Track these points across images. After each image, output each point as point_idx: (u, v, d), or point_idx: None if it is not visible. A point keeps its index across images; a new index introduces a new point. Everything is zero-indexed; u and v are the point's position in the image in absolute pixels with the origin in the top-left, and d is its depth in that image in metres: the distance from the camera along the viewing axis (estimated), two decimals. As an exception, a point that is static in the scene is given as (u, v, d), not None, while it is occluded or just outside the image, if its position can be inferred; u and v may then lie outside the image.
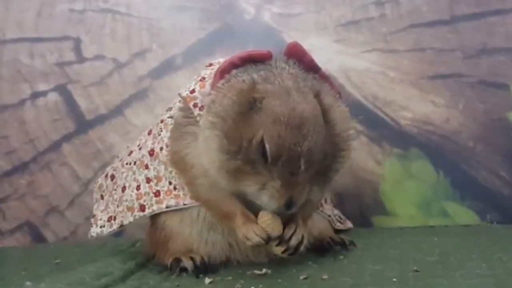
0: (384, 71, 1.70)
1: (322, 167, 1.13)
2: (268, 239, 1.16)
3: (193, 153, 1.20)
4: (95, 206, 1.45)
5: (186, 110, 1.25)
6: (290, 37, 1.73)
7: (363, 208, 1.71)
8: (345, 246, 1.36)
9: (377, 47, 1.71)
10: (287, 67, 1.19)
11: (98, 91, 1.81)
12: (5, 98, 1.84)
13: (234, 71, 1.19)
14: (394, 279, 1.12)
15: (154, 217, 1.32)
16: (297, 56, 1.22)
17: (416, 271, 1.17)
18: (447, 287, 1.05)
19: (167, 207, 1.27)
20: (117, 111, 1.81)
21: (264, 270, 1.22)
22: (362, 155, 1.69)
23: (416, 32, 1.69)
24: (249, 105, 1.11)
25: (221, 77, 1.19)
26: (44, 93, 1.83)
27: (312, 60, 1.23)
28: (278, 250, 1.18)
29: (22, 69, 1.84)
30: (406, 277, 1.13)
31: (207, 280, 1.19)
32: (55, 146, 1.83)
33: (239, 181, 1.12)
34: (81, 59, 1.83)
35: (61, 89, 1.83)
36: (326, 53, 1.71)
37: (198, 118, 1.20)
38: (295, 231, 1.19)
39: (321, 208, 1.38)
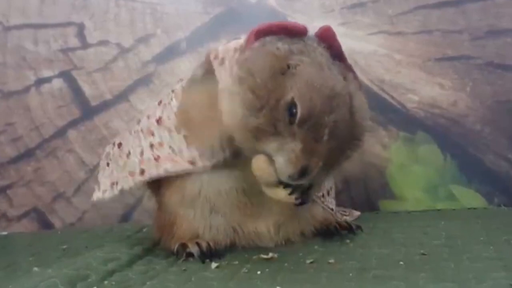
0: (390, 54, 1.69)
1: (338, 147, 1.11)
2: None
3: (205, 102, 1.18)
4: (100, 174, 1.43)
5: (204, 65, 1.23)
6: (295, 20, 1.71)
7: (369, 192, 1.70)
8: (352, 230, 1.35)
9: (383, 29, 1.69)
10: (319, 48, 1.16)
11: (103, 77, 1.81)
12: (10, 84, 1.84)
13: (269, 37, 1.16)
14: (401, 263, 1.12)
15: (159, 198, 1.32)
16: (328, 41, 1.18)
17: (423, 254, 1.17)
18: (454, 271, 1.05)
19: (164, 170, 1.25)
20: (122, 97, 1.80)
21: (270, 255, 1.22)
22: (369, 139, 1.68)
23: (422, 14, 1.67)
24: (282, 71, 1.09)
25: (257, 37, 1.16)
26: (48, 80, 1.83)
27: (340, 49, 1.20)
28: (286, 192, 1.12)
29: (27, 56, 1.84)
30: (413, 260, 1.13)
31: (214, 265, 1.20)
32: (61, 133, 1.83)
33: (257, 140, 1.09)
34: (85, 45, 1.82)
35: (66, 75, 1.83)
36: (331, 36, 1.69)
37: (216, 72, 1.18)
38: (311, 186, 1.15)
39: (322, 199, 1.37)
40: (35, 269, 1.23)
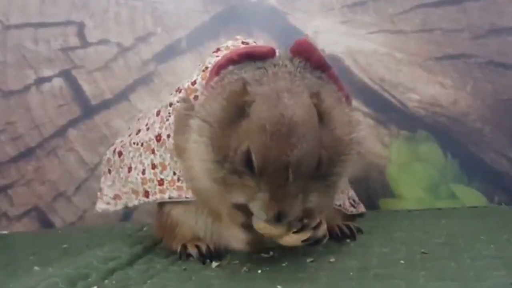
0: (391, 53, 1.68)
1: (319, 173, 1.06)
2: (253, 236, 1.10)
3: (191, 147, 1.16)
4: (102, 179, 1.44)
5: (187, 102, 1.22)
6: (295, 19, 1.71)
7: (370, 191, 1.70)
8: (354, 236, 1.32)
9: (383, 28, 1.69)
10: (287, 65, 1.12)
11: (103, 76, 1.81)
12: (10, 84, 1.84)
13: (230, 68, 1.14)
14: (402, 262, 1.12)
15: (160, 204, 1.31)
16: (305, 54, 1.15)
17: (424, 253, 1.16)
18: (454, 269, 1.05)
19: (169, 198, 1.26)
20: (122, 96, 1.80)
21: (271, 254, 1.22)
22: (369, 138, 1.68)
23: (423, 13, 1.67)
24: (238, 111, 1.05)
25: (217, 73, 1.15)
26: (49, 79, 1.83)
27: (320, 59, 1.16)
28: (298, 238, 1.09)
29: (27, 55, 1.84)
30: (413, 259, 1.13)
31: (214, 264, 1.20)
32: (61, 132, 1.83)
33: (228, 192, 1.07)
34: (85, 44, 1.82)
35: (66, 75, 1.83)
36: (332, 35, 1.69)
37: (196, 108, 1.16)
38: (320, 222, 1.13)
39: None
40: (36, 268, 1.24)
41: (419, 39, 1.67)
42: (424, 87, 1.67)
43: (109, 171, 1.43)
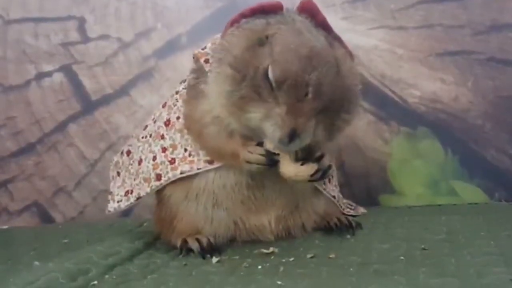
0: (392, 49, 1.68)
1: (331, 108, 1.11)
2: (267, 154, 1.14)
3: (203, 106, 1.20)
4: (111, 184, 1.44)
5: (197, 71, 1.25)
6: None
7: (370, 187, 1.70)
8: (352, 230, 1.33)
9: (384, 24, 1.68)
10: (299, 18, 1.17)
11: (103, 71, 1.81)
12: (11, 79, 1.84)
13: (244, 20, 1.18)
14: (402, 258, 1.12)
15: (159, 193, 1.32)
16: (310, 13, 1.19)
17: (424, 249, 1.17)
18: (455, 266, 1.05)
19: (181, 172, 1.26)
20: (123, 91, 1.80)
21: (271, 249, 1.22)
22: (370, 134, 1.68)
23: (424, 9, 1.66)
24: (259, 41, 1.11)
25: (232, 26, 1.19)
26: (49, 74, 1.83)
27: (325, 20, 1.20)
28: (306, 171, 1.13)
29: (27, 50, 1.83)
30: (413, 255, 1.13)
31: (214, 260, 1.20)
32: (61, 127, 1.83)
33: (244, 112, 1.11)
34: (85, 39, 1.82)
35: (66, 70, 1.82)
36: (333, 31, 1.68)
37: (208, 74, 1.19)
38: (323, 154, 1.17)
39: (324, 186, 1.35)
40: (36, 263, 1.24)
41: (420, 35, 1.67)
42: (424, 83, 1.67)
43: (118, 174, 1.43)
